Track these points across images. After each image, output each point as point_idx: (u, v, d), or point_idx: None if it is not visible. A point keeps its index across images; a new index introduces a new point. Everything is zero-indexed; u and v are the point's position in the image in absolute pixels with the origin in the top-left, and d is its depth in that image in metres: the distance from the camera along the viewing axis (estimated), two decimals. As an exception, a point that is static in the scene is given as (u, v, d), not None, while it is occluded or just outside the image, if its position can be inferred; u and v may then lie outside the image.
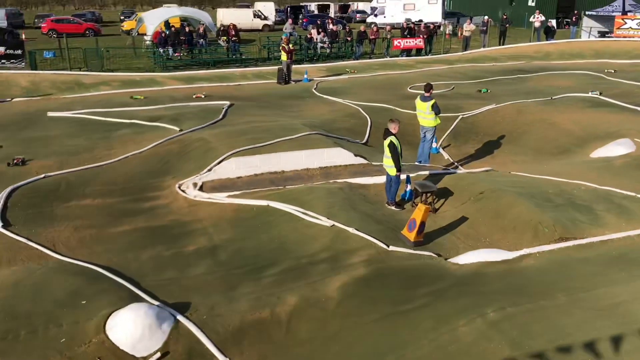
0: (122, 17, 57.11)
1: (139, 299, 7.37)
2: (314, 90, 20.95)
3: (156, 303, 7.30)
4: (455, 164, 14.55)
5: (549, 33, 34.86)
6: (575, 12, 39.08)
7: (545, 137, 15.92)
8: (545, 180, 11.59)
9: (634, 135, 14.65)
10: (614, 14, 35.14)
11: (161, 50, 28.40)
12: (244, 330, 6.96)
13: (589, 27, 37.00)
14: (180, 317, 7.02)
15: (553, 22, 36.96)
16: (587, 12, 38.37)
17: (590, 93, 19.28)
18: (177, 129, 14.88)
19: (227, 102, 18.17)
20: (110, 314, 6.91)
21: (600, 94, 19.15)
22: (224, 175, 12.03)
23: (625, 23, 32.55)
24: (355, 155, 13.02)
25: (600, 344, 6.08)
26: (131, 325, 6.66)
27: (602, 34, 36.20)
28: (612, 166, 12.91)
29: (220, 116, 16.41)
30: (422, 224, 9.15)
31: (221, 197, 11.07)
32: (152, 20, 33.59)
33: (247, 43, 33.63)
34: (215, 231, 9.87)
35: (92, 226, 10.08)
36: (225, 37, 31.18)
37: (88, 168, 12.60)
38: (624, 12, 34.63)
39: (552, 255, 8.36)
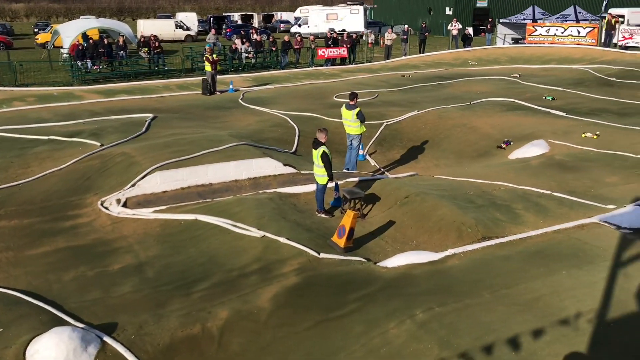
0: (35, 30, 54.68)
1: (62, 322, 7.06)
2: (240, 101, 20.84)
3: (80, 325, 7.02)
4: (382, 169, 14.85)
5: (467, 40, 36.30)
6: (490, 19, 40.89)
7: (465, 140, 16.52)
8: (467, 182, 12.02)
9: (547, 136, 15.45)
10: (525, 21, 37.03)
11: (79, 63, 27.46)
12: (175, 347, 6.80)
13: (503, 34, 38.79)
14: (106, 338, 6.77)
15: (470, 30, 38.52)
16: (501, 20, 40.22)
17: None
18: (98, 144, 14.39)
19: (150, 115, 17.75)
20: (30, 340, 6.57)
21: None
22: (149, 190, 11.73)
23: (536, 30, 34.35)
24: (285, 165, 13.04)
25: (523, 338, 6.35)
26: (54, 350, 6.36)
27: (516, 41, 38.06)
28: (528, 166, 13.55)
29: (143, 129, 15.99)
30: (352, 229, 9.26)
31: (146, 213, 10.79)
32: (69, 33, 32.40)
33: (169, 54, 33.05)
34: (141, 248, 9.60)
35: (8, 248, 9.57)
36: (146, 49, 30.53)
37: (3, 188, 11.96)
38: (534, 20, 36.56)
39: (476, 255, 8.66)
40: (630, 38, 32.04)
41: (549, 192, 11.28)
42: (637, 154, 13.57)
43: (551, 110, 18.45)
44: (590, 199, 10.89)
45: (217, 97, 22.09)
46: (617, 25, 32.70)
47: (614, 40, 32.51)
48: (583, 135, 15.30)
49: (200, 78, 23.83)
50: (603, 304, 7.06)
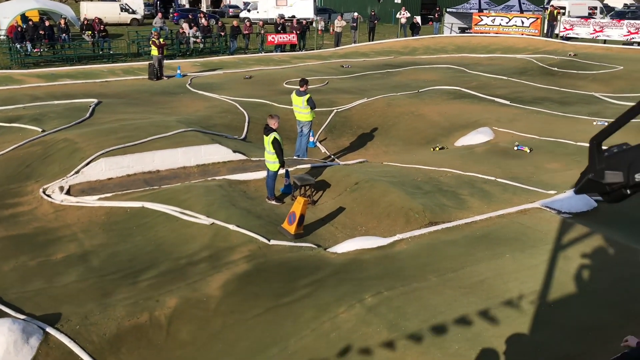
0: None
1: (1, 314, 6.81)
2: (188, 86, 20.47)
3: (22, 317, 6.78)
4: (332, 156, 14.91)
5: (415, 29, 36.70)
6: (438, 8, 41.44)
7: (413, 128, 16.76)
8: (415, 169, 12.21)
9: (492, 124, 15.85)
10: (471, 11, 37.69)
11: (18, 46, 26.31)
12: (122, 337, 6.68)
13: (450, 24, 39.42)
14: (49, 330, 6.57)
15: (418, 19, 38.95)
16: (448, 9, 40.82)
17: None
18: (39, 129, 13.87)
19: (95, 100, 17.23)
20: (-33, 334, 6.32)
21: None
22: (93, 177, 11.41)
23: (482, 20, 35.04)
24: (234, 152, 12.91)
25: (468, 319, 6.52)
26: (-7, 344, 6.13)
27: (462, 30, 38.75)
28: (474, 153, 13.87)
29: (87, 115, 15.51)
30: (302, 216, 9.28)
31: (91, 201, 10.50)
32: (6, 13, 31.00)
33: (114, 38, 32.08)
34: (86, 236, 9.35)
35: (-58, 239, 9.15)
36: (90, 32, 29.53)
37: None
38: (480, 10, 37.26)
39: (423, 239, 8.82)
40: (571, 29, 33.10)
41: (493, 178, 11.58)
42: (577, 142, 14.08)
43: (496, 99, 18.91)
44: (532, 184, 11.24)
45: (164, 82, 21.62)
46: (558, 17, 33.71)
47: (556, 31, 33.52)
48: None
49: (147, 63, 23.25)
50: (544, 285, 7.33)
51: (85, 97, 17.90)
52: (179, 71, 22.74)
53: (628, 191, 0.74)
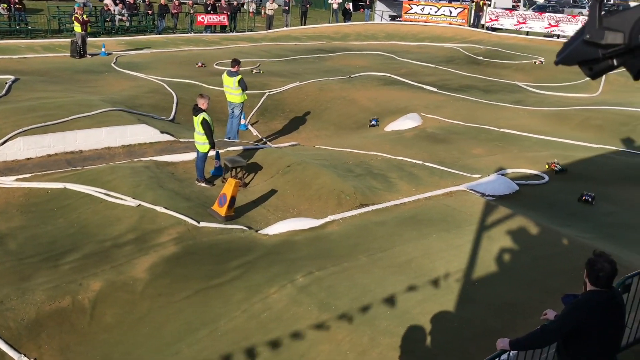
0: None
1: None
2: (113, 65, 19.67)
3: None
4: (264, 139, 14.78)
5: (346, 15, 36.84)
6: (369, -4, 41.70)
7: (345, 113, 16.87)
8: (346, 153, 12.30)
9: (420, 110, 16.18)
10: (401, -1, 38.18)
11: None
12: (41, 322, 6.37)
13: (381, 11, 39.81)
14: (-39, 316, 6.18)
15: (350, 5, 39.10)
16: (379, -3, 41.17)
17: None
18: (-51, 106, 12.96)
19: (12, 77, 16.25)
20: None
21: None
22: (10, 157, 10.80)
23: (412, 8, 35.59)
24: (162, 132, 12.55)
25: (397, 297, 6.66)
26: None
27: (392, 18, 39.23)
28: (403, 138, 14.12)
29: (4, 92, 14.62)
30: (233, 198, 9.15)
31: (8, 181, 9.92)
32: None
33: (33, 13, 30.33)
34: (2, 219, 8.84)
35: None
36: (5, 5, 27.78)
37: None
38: (410, -1, 37.80)
39: (354, 221, 8.92)
40: (496, 20, 34.21)
41: (421, 162, 11.84)
42: (500, 128, 14.62)
43: (424, 86, 19.31)
44: (458, 168, 11.58)
45: (88, 60, 20.70)
46: (484, 7, 34.74)
47: (482, 22, 34.55)
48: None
49: (69, 40, 22.14)
50: (469, 264, 7.58)
51: (1, 73, 16.85)
52: (103, 49, 21.82)
53: (615, 61, 0.73)
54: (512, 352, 4.90)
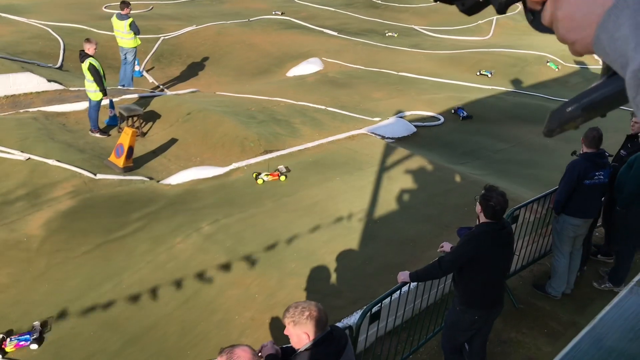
0: None
1: None
2: (-12, 8, 17.94)
3: None
4: (161, 86, 14.22)
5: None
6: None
7: (245, 58, 16.51)
8: (248, 99, 12.13)
9: (321, 54, 16.16)
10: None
11: None
12: None
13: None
14: None
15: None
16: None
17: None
18: None
19: None
20: None
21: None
22: None
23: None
24: (49, 81, 11.72)
25: (303, 239, 6.80)
26: None
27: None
28: (305, 83, 14.10)
29: None
30: (131, 148, 8.81)
31: None
32: None
33: None
34: None
35: None
36: None
37: None
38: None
39: (259, 167, 8.90)
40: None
41: (323, 107, 11.92)
42: (398, 72, 14.94)
43: (325, 30, 19.23)
44: (359, 112, 11.78)
45: (-42, 2, 18.73)
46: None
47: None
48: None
49: None
50: (371, 204, 7.85)
51: None
52: (-25, -10, 19.79)
53: None
54: (412, 284, 5.20)
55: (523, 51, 17.33)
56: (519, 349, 5.72)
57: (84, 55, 9.75)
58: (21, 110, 10.46)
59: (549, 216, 6.69)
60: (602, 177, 6.13)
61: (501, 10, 0.84)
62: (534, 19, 0.81)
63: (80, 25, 16.56)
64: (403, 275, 4.79)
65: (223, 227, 6.96)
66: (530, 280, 6.87)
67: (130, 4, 12.75)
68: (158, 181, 8.50)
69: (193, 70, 15.56)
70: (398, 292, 5.07)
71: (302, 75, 15.03)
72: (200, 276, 6.15)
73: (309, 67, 15.46)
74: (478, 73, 15.58)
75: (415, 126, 11.24)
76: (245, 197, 7.86)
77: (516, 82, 15.33)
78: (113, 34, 12.98)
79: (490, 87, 14.36)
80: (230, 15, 20.15)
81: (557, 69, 16.28)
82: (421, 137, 10.93)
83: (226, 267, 6.25)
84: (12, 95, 11.13)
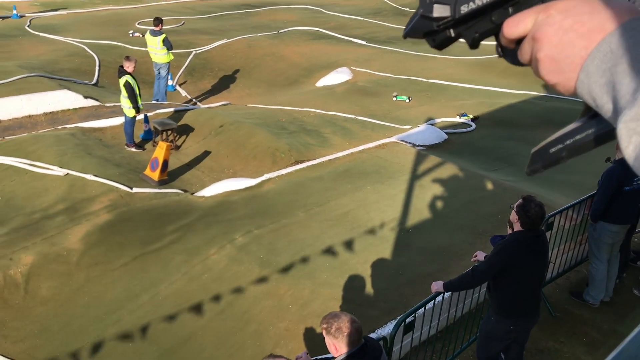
0: None
1: None
2: (27, 28, 18.55)
3: None
4: (193, 100, 14.47)
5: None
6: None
7: (275, 69, 16.69)
8: (279, 110, 12.25)
9: (350, 63, 16.22)
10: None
11: None
12: (-28, 301, 6.15)
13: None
14: None
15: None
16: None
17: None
18: None
19: None
20: None
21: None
22: None
23: (337, -39, 35.10)
24: (85, 97, 12.05)
25: (335, 249, 6.82)
26: None
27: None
28: (334, 93, 14.17)
29: None
30: (165, 162, 8.99)
31: None
32: None
33: None
34: None
35: None
36: None
37: None
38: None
39: (290, 178, 8.97)
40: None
41: (353, 116, 11.96)
42: (427, 79, 14.89)
43: (353, 39, 19.31)
44: (389, 120, 11.78)
45: (-2, 23, 19.42)
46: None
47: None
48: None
49: (-25, 1, 20.67)
50: (403, 213, 7.82)
51: None
52: (15, 11, 20.48)
53: (452, 32, 0.77)
54: (446, 293, 5.17)
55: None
56: (557, 359, 5.62)
57: (122, 72, 10.01)
58: (59, 127, 10.77)
59: (585, 223, 6.58)
60: (640, 182, 6.01)
61: (474, 45, 0.85)
62: (504, 53, 0.81)
63: (114, 42, 16.98)
64: (437, 285, 4.77)
65: (256, 238, 7.03)
66: (567, 287, 6.75)
67: (162, 20, 13.03)
68: (192, 193, 8.64)
69: (224, 83, 15.79)
70: (432, 302, 5.05)
71: (332, 85, 15.10)
72: (235, 287, 6.22)
73: (338, 76, 15.53)
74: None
75: (446, 133, 11.18)
76: (277, 207, 7.92)
77: (548, 86, 15.09)
78: (146, 49, 13.27)
79: (522, 92, 14.18)
80: (260, 27, 20.40)
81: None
82: (453, 144, 10.86)
83: (260, 277, 6.31)
84: (50, 112, 11.47)
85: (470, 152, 10.49)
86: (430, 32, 0.85)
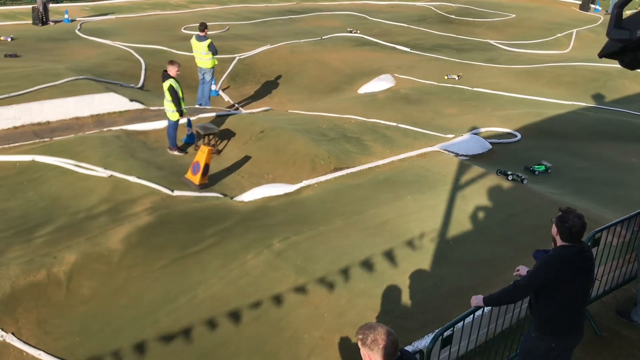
0: None
1: None
2: (77, 32, 19.09)
3: None
4: (235, 105, 14.61)
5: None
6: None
7: (317, 76, 16.71)
8: (320, 117, 12.24)
9: (393, 70, 16.12)
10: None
11: None
12: (17, 296, 6.30)
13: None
14: None
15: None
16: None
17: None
18: None
19: (-28, 47, 15.69)
20: None
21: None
22: (-25, 130, 10.51)
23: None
24: (131, 100, 12.31)
25: (373, 259, 6.73)
26: None
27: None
28: (376, 100, 14.08)
29: (-36, 63, 14.14)
30: (206, 166, 9.08)
31: (-26, 155, 9.68)
32: None
33: (-10, -22, 29.16)
34: (-30, 194, 8.64)
35: None
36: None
37: None
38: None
39: (329, 185, 8.92)
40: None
41: (394, 124, 11.85)
42: (472, 87, 14.66)
43: (396, 46, 19.19)
44: (431, 129, 11.62)
45: (51, 27, 20.04)
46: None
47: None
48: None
49: (30, 6, 21.38)
50: (443, 224, 7.68)
51: (-40, 43, 16.27)
52: (66, 16, 21.14)
53: (638, 54, 0.75)
54: (486, 308, 5.03)
55: (605, 65, 16.58)
56: (602, 381, 5.40)
57: (166, 76, 10.17)
58: (105, 129, 11.01)
59: (635, 240, 6.32)
60: (694, 199, 5.73)
61: None
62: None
63: (161, 46, 17.30)
64: (476, 299, 4.65)
65: (293, 245, 7.01)
66: (614, 306, 6.49)
67: (207, 25, 13.21)
68: (232, 198, 8.69)
69: (266, 88, 15.90)
70: (471, 316, 4.92)
71: (373, 92, 15.02)
72: (271, 293, 6.20)
73: (380, 83, 15.44)
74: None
75: (491, 143, 10.95)
76: (316, 214, 7.89)
77: (597, 97, 14.67)
78: (191, 54, 13.47)
79: (570, 102, 13.82)
80: (304, 33, 20.48)
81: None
82: (497, 154, 10.63)
83: (296, 284, 6.28)
84: (97, 115, 11.75)
85: (515, 163, 10.24)
86: (619, 52, 0.82)
